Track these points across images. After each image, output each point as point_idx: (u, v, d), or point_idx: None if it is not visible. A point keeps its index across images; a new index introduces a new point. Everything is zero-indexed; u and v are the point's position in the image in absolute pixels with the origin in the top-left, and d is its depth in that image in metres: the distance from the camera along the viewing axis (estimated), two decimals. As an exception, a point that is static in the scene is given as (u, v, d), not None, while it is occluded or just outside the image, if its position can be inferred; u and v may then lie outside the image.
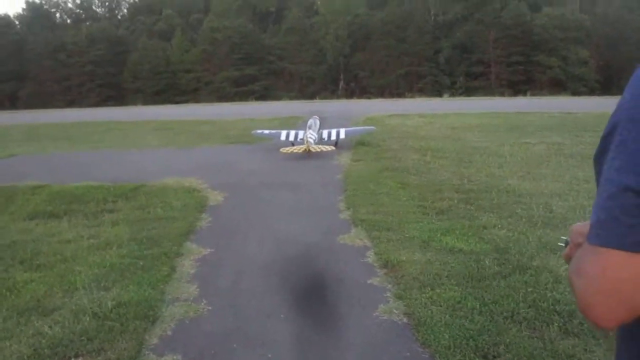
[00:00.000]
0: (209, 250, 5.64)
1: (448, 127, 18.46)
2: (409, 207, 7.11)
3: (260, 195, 8.51)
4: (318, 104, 23.75)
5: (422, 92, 54.86)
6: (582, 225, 1.05)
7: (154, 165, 12.12)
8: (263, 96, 57.67)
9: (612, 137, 0.87)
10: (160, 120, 26.50)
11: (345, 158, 11.94)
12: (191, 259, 5.33)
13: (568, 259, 1.07)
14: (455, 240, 5.53)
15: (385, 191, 8.21)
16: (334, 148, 13.00)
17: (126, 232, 6.33)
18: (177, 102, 55.32)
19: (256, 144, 15.61)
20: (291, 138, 13.99)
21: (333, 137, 14.03)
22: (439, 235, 5.74)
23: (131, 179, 9.80)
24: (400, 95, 53.95)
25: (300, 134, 14.00)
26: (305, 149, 12.56)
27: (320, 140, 13.74)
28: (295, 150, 12.74)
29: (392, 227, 6.15)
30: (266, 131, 15.64)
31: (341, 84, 62.07)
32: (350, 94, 59.25)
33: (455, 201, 7.35)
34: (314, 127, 14.66)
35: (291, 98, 53.77)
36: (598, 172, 0.91)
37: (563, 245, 1.19)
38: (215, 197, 8.32)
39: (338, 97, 55.86)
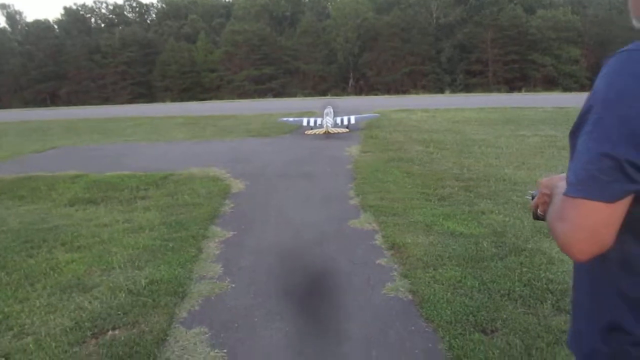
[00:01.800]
0: (231, 233, 5.66)
1: (449, 121, 18.32)
2: (414, 194, 7.08)
3: (278, 183, 8.51)
4: (330, 100, 23.62)
5: (425, 88, 54.49)
6: (547, 179, 1.27)
7: (181, 156, 12.17)
8: (280, 93, 57.63)
9: (588, 116, 1.02)
10: (186, 116, 26.57)
11: (355, 150, 11.89)
12: (216, 241, 5.36)
13: (535, 207, 1.31)
14: (456, 225, 5.51)
15: (391, 180, 8.18)
16: (348, 130, 14.93)
17: (157, 217, 6.38)
18: (201, 99, 55.43)
19: (274, 136, 15.66)
20: (311, 123, 15.72)
21: (345, 122, 15.69)
22: (441, 219, 5.72)
23: (160, 169, 9.85)
24: (405, 91, 53.56)
25: (319, 120, 15.81)
26: (325, 131, 14.45)
27: (335, 125, 15.26)
28: (317, 132, 14.62)
29: (398, 212, 6.14)
30: (290, 119, 17.41)
31: (351, 81, 61.76)
32: (359, 91, 58.95)
33: (456, 189, 7.31)
34: (330, 114, 16.25)
35: (305, 95, 53.61)
36: (573, 144, 1.07)
37: (530, 198, 1.35)
38: (237, 185, 8.34)
39: (348, 94, 55.58)
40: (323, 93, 53.34)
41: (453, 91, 51.93)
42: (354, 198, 7.12)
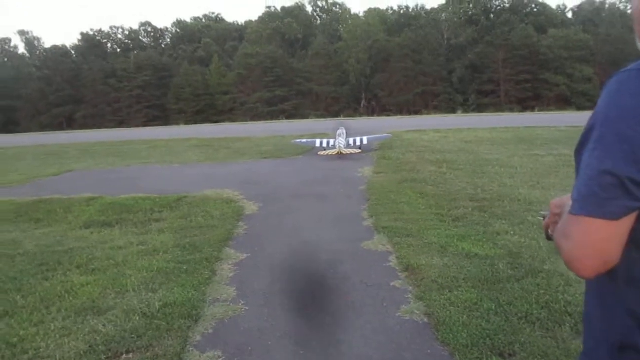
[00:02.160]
0: (245, 255, 5.66)
1: (462, 141, 18.27)
2: (428, 215, 7.04)
3: (291, 205, 8.52)
4: (342, 121, 23.75)
5: (437, 109, 54.57)
6: (558, 200, 1.29)
7: (195, 178, 12.25)
8: (292, 115, 58.04)
9: (590, 134, 1.05)
10: (200, 138, 26.79)
11: (368, 171, 11.88)
12: (230, 264, 5.35)
13: (546, 228, 1.32)
14: (471, 246, 5.46)
15: (405, 200, 8.15)
16: (360, 151, 15.28)
17: (171, 239, 6.40)
18: (215, 121, 56.02)
19: (287, 158, 15.72)
20: (324, 145, 16.33)
21: (358, 143, 16.15)
22: (455, 241, 5.67)
23: (175, 191, 9.91)
24: (417, 112, 53.72)
25: (332, 141, 16.27)
26: (338, 152, 14.84)
27: (347, 145, 15.75)
28: (329, 153, 14.97)
29: (412, 233, 6.10)
30: (304, 140, 18.19)
31: (363, 102, 62.16)
32: (371, 112, 59.31)
33: (470, 209, 7.26)
34: (343, 135, 16.55)
35: (318, 116, 53.96)
36: (578, 162, 1.10)
37: (541, 219, 1.37)
38: (251, 207, 8.35)
39: (360, 115, 55.85)
40: (335, 114, 53.65)
41: (465, 111, 51.97)
42: (368, 219, 7.09)
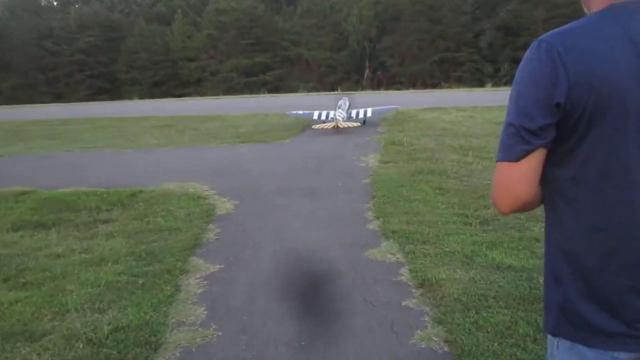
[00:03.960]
0: (217, 266, 5.65)
1: (492, 122, 18.32)
2: (449, 216, 7.08)
3: (276, 202, 8.52)
4: (344, 95, 23.78)
5: (461, 81, 54.52)
6: None
7: (154, 168, 12.22)
8: (276, 88, 57.86)
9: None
10: (159, 116, 26.72)
11: (373, 159, 11.91)
12: (198, 277, 5.35)
13: None
14: (503, 255, 5.48)
15: (420, 198, 8.18)
16: (359, 125, 17.03)
17: (123, 246, 6.39)
18: (178, 96, 55.72)
19: (271, 143, 15.72)
20: (323, 117, 17.99)
21: (361, 116, 17.99)
22: (483, 249, 5.70)
23: (128, 184, 9.88)
24: (435, 85, 53.73)
25: (332, 113, 17.65)
26: (334, 126, 16.29)
27: (348, 119, 17.23)
28: (325, 127, 16.63)
29: (428, 239, 6.12)
30: (300, 112, 20.21)
31: (366, 72, 61.98)
32: (376, 85, 59.14)
33: (502, 209, 7.28)
34: (343, 106, 18.39)
35: (309, 90, 53.83)
36: None
37: None
38: (224, 205, 8.35)
39: (363, 88, 55.68)
40: (332, 87, 53.55)
41: (496, 84, 51.94)
42: (373, 221, 7.11)
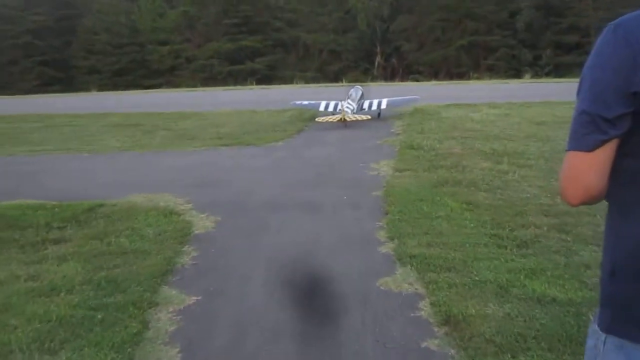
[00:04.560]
0: (194, 298, 5.65)
1: (531, 121, 18.35)
2: (479, 238, 7.07)
3: (267, 220, 8.52)
4: (348, 88, 23.81)
5: (493, 71, 54.69)
6: None
7: (116, 176, 12.23)
8: (267, 78, 57.84)
9: (581, 80, 1.74)
10: (123, 113, 26.72)
11: (385, 166, 11.93)
12: (170, 311, 5.35)
13: None
14: (546, 286, 5.48)
15: (444, 214, 8.17)
16: (369, 117, 18.23)
17: (78, 272, 6.36)
18: (146, 87, 55.70)
19: (261, 145, 15.75)
20: (330, 108, 19.28)
21: (374, 108, 19.21)
22: (521, 277, 5.69)
23: (85, 196, 9.87)
24: (461, 75, 53.72)
25: (342, 104, 18.73)
26: (341, 118, 17.43)
27: (359, 111, 18.43)
28: (330, 120, 17.81)
29: (454, 265, 6.12)
30: (305, 102, 21.74)
31: (377, 60, 62.07)
32: (390, 75, 59.17)
33: (545, 229, 7.30)
34: (354, 96, 19.74)
35: (307, 80, 53.85)
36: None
37: None
38: (203, 223, 8.34)
39: (373, 79, 55.62)
40: (335, 77, 53.61)
41: (536, 75, 52.08)
42: (386, 243, 7.11)
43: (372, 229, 7.74)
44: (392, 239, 7.23)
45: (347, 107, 18.23)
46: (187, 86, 54.47)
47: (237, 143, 16.39)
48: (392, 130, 17.24)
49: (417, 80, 51.79)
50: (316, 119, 18.33)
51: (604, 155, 1.68)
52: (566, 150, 1.74)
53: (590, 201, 1.76)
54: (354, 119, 17.54)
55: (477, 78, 50.91)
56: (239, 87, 51.53)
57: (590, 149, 1.66)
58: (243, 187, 10.73)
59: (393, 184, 10.36)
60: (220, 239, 7.67)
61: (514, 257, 6.36)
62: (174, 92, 48.56)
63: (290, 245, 7.34)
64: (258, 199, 9.76)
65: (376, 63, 61.80)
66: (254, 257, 6.90)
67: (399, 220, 8.00)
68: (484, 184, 9.93)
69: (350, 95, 19.71)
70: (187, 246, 7.30)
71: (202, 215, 8.71)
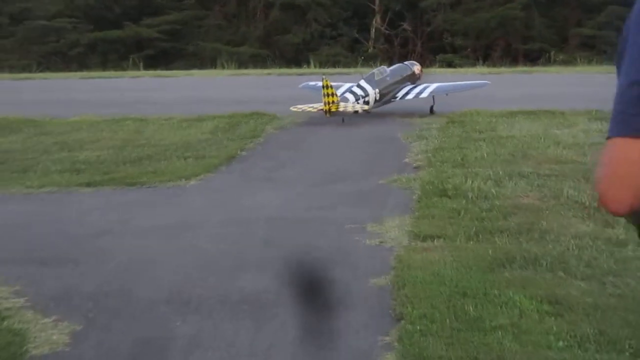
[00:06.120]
0: None
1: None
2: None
3: (171, 329, 8.51)
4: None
5: (593, 49, 55.37)
6: None
7: None
8: (167, 56, 58.32)
9: (626, 41, 2.16)
10: None
11: (395, 229, 11.89)
12: None
13: None
14: None
15: (507, 323, 8.18)
16: (365, 109, 21.15)
17: None
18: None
19: (157, 186, 15.65)
20: (351, 98, 21.36)
21: (424, 95, 21.28)
22: None
23: None
24: (534, 60, 54.26)
25: (369, 89, 21.11)
26: (326, 108, 20.20)
27: (363, 100, 20.70)
28: (310, 109, 21.24)
29: None
30: (311, 83, 25.08)
31: (373, 30, 62.63)
32: (399, 54, 59.22)
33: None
34: (372, 81, 22.23)
35: (240, 62, 54.13)
36: (618, 74, 2.17)
37: None
38: (48, 335, 8.30)
39: (364, 61, 55.17)
40: (295, 59, 54.05)
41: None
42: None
43: (371, 352, 7.73)
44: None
45: (355, 90, 20.48)
46: (16, 73, 54.72)
47: (111, 181, 16.32)
48: (406, 160, 17.22)
49: (451, 65, 52.21)
50: (291, 108, 20.74)
51: None
52: (607, 138, 2.03)
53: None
54: (343, 109, 19.75)
55: (564, 62, 51.48)
56: (116, 73, 51.82)
57: None
58: (123, 264, 10.69)
59: (410, 263, 10.32)
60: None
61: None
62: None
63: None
64: (150, 287, 9.70)
65: (371, 33, 62.37)
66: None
67: (422, 333, 7.97)
68: (583, 265, 9.95)
69: (369, 78, 21.48)
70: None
71: (47, 320, 8.65)
